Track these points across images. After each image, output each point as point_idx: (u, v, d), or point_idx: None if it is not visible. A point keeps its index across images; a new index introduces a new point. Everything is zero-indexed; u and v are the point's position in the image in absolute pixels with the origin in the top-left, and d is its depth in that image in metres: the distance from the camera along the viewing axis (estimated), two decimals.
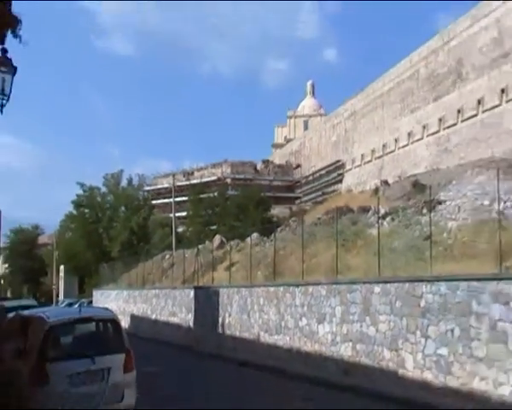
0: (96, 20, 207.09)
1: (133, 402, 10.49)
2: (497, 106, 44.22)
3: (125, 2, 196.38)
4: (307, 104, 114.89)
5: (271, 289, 24.01)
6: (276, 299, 23.34)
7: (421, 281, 16.11)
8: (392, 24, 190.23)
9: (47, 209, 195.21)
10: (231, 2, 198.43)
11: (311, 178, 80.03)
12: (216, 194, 68.19)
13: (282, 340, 22.44)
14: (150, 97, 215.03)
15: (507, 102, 43.18)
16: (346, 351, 18.52)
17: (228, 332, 27.12)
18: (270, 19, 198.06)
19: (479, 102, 46.35)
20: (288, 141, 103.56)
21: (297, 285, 22.12)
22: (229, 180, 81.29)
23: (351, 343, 18.32)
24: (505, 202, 22.14)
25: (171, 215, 56.45)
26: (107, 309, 14.27)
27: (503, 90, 43.64)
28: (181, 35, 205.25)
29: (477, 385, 13.63)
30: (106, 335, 11.23)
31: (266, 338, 23.63)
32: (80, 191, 78.28)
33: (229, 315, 27.21)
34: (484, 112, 45.63)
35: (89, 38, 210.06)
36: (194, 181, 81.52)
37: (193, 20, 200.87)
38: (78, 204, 78.70)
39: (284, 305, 22.69)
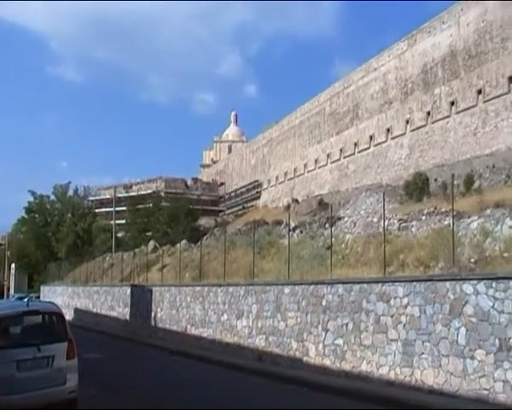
0: (45, 45, 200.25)
1: (74, 385, 10.36)
2: (384, 142, 46.07)
3: (70, 31, 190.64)
4: (231, 131, 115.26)
5: (197, 288, 23.89)
6: (201, 297, 23.24)
7: (323, 284, 16.38)
8: (303, 67, 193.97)
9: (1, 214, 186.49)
10: (168, 39, 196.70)
11: (233, 194, 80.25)
12: (151, 205, 67.38)
13: (206, 332, 22.37)
14: (97, 118, 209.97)
15: (391, 139, 45.09)
16: (260, 342, 18.64)
17: (160, 325, 26.83)
18: (201, 57, 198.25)
19: (370, 137, 48.13)
20: (214, 162, 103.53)
21: (219, 286, 22.10)
22: (162, 193, 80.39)
23: (264, 336, 18.46)
24: (389, 220, 22.95)
25: (112, 222, 55.59)
26: (52, 303, 13.89)
27: (388, 130, 45.64)
28: (123, 66, 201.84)
29: (364, 368, 14.14)
30: (51, 326, 10.95)
31: (193, 331, 23.49)
32: (31, 199, 76.04)
33: (161, 310, 26.95)
34: (375, 146, 47.38)
35: (40, 62, 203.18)
36: (133, 193, 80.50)
37: (133, 54, 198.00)
38: (29, 210, 76.17)
39: (208, 302, 22.61)
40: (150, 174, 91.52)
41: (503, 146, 32.53)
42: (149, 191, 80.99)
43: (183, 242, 37.48)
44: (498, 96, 35.02)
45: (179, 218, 55.20)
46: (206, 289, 23.07)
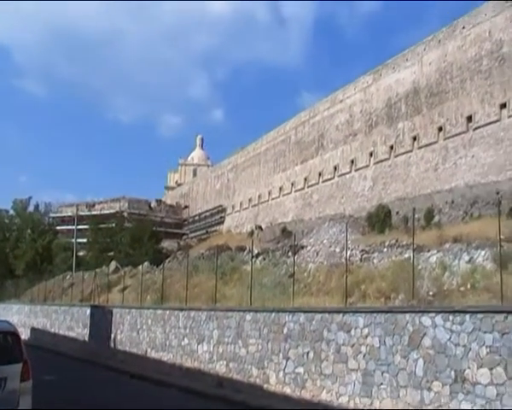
0: (9, 57, 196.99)
1: (28, 409, 10.06)
2: (348, 173, 46.88)
3: (34, 45, 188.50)
4: (196, 155, 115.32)
5: (159, 311, 23.69)
6: (162, 320, 23.05)
7: (285, 312, 16.48)
8: (270, 95, 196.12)
9: None
10: (134, 62, 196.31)
11: (197, 218, 79.98)
12: (114, 225, 66.71)
13: (166, 356, 22.14)
14: (59, 134, 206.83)
15: (355, 170, 45.92)
16: (220, 368, 18.56)
17: (119, 347, 26.41)
18: (168, 79, 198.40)
19: (335, 168, 48.87)
20: (179, 185, 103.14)
21: (181, 310, 21.98)
22: (126, 214, 79.63)
23: (225, 362, 18.39)
24: (352, 250, 23.37)
25: (73, 241, 54.73)
26: (7, 322, 13.44)
27: (352, 161, 46.50)
28: (88, 83, 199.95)
29: (324, 397, 14.21)
30: (5, 346, 10.58)
31: (153, 354, 23.21)
32: None
33: (121, 332, 26.56)
34: (339, 176, 48.09)
35: (5, 75, 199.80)
36: (95, 212, 79.33)
37: (98, 72, 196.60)
38: None
39: (169, 326, 22.42)
40: (114, 194, 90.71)
41: (461, 182, 33.52)
42: (112, 211, 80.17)
43: (146, 264, 37.19)
44: (457, 135, 36.15)
45: (142, 239, 54.77)
46: (167, 312, 22.89)
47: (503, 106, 33.27)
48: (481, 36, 35.75)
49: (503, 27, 34.28)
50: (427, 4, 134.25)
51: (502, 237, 15.09)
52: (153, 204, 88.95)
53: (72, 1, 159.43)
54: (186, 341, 21.01)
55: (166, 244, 63.32)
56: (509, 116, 32.64)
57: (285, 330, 16.09)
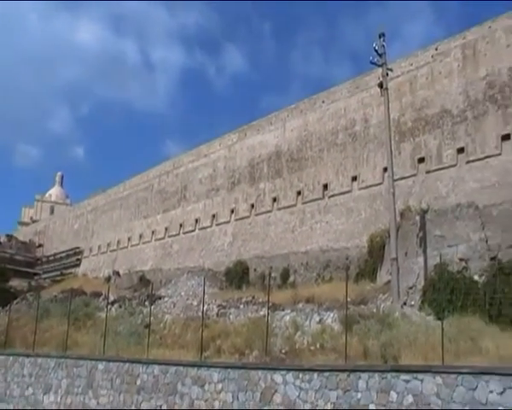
0: None
1: None
2: (209, 226, 47.56)
3: None
4: (55, 192, 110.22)
5: (1, 357, 22.12)
6: (3, 368, 21.52)
7: (139, 362, 16.31)
8: (135, 139, 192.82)
9: None
10: None
11: (52, 258, 75.73)
12: None
13: (5, 407, 20.61)
14: None
15: (216, 225, 46.77)
16: None
17: None
18: (27, 108, 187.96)
19: (196, 220, 49.34)
20: (34, 221, 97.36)
21: (27, 356, 20.79)
22: None
23: None
24: (209, 305, 23.62)
25: None
26: None
27: (214, 216, 47.37)
28: None
29: None
30: None
31: None
32: None
33: None
34: (200, 229, 48.57)
35: None
36: None
37: None
38: None
39: (12, 374, 21.01)
40: None
41: (316, 246, 35.45)
42: None
43: None
44: (314, 200, 38.35)
45: None
46: (10, 358, 21.48)
47: (355, 179, 36.04)
48: (338, 112, 38.74)
49: (355, 108, 37.49)
50: (292, 74, 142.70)
51: (349, 300, 16.26)
52: (2, 239, 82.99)
53: None
54: (30, 390, 19.77)
55: (16, 284, 58.99)
56: (359, 188, 35.40)
57: (138, 382, 15.87)
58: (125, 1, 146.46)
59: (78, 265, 67.90)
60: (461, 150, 30.23)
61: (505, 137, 28.48)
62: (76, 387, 17.87)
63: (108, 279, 47.04)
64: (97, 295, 31.90)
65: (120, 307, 27.56)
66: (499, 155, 28.47)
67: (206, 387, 14.06)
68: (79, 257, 68.32)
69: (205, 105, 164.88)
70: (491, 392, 10.23)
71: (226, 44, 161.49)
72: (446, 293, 16.71)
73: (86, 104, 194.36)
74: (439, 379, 10.96)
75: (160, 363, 15.78)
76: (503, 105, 29.03)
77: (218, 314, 22.11)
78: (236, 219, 44.86)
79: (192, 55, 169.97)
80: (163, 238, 53.18)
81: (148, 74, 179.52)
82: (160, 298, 27.26)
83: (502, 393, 10.13)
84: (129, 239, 59.13)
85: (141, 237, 57.00)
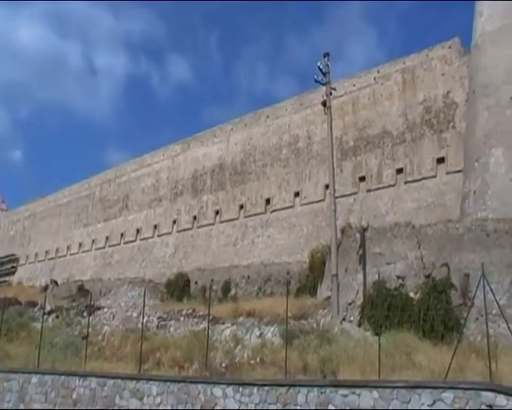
0: None
1: None
2: (150, 237, 46.99)
3: None
4: None
5: None
6: None
7: (76, 375, 15.88)
8: (75, 143, 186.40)
9: None
10: None
11: None
12: None
13: None
14: None
15: (158, 235, 46.27)
16: None
17: None
18: None
19: (138, 230, 48.67)
20: None
21: None
22: None
23: None
24: (149, 317, 23.25)
25: None
26: None
27: (155, 226, 46.83)
28: None
29: None
30: None
31: None
32: None
33: None
34: (141, 239, 47.93)
35: None
36: None
37: None
38: None
39: None
40: None
41: (258, 260, 35.61)
42: None
43: None
44: (257, 214, 38.61)
45: None
46: None
47: (297, 194, 36.54)
48: (282, 128, 39.26)
49: (299, 124, 38.14)
50: (237, 87, 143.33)
51: (289, 314, 16.40)
52: None
53: None
54: None
55: None
56: (302, 204, 35.90)
57: (74, 395, 15.47)
58: (67, 0, 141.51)
59: (13, 273, 65.50)
60: (400, 171, 31.25)
61: (440, 161, 29.68)
62: (6, 402, 17.04)
63: (45, 288, 45.55)
64: (33, 304, 30.84)
65: (57, 317, 26.72)
66: (434, 177, 29.60)
67: (145, 400, 13.81)
68: (15, 264, 65.93)
69: (148, 114, 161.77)
70: (423, 404, 10.58)
71: (171, 54, 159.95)
72: (384, 309, 17.13)
73: (26, 106, 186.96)
74: (375, 393, 11.20)
75: (98, 376, 15.39)
76: (438, 130, 30.24)
77: (158, 326, 21.80)
78: (178, 231, 44.56)
79: (136, 63, 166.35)
80: (103, 247, 52.15)
81: (91, 79, 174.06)
82: (99, 309, 26.60)
83: (432, 405, 10.50)
84: (68, 247, 57.65)
85: (80, 245, 55.69)
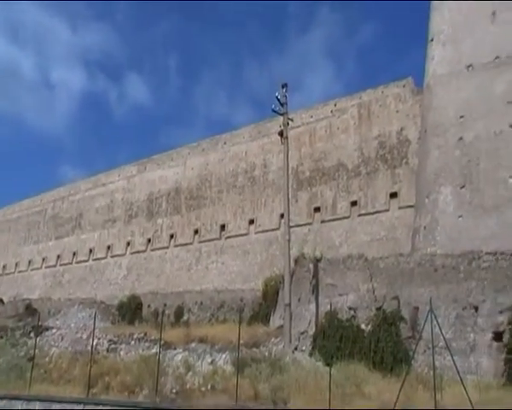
0: None
1: None
2: (103, 258, 46.19)
3: None
4: None
5: None
6: None
7: (19, 399, 15.41)
8: (27, 157, 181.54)
9: None
10: None
11: None
12: None
13: None
14: None
15: (111, 256, 45.52)
16: None
17: None
18: None
19: (90, 250, 47.80)
20: None
21: None
22: None
23: None
24: (99, 339, 22.74)
25: None
26: None
27: (109, 247, 46.01)
28: None
29: None
30: None
31: None
32: None
33: None
34: (94, 260, 47.06)
35: None
36: None
37: None
38: None
39: None
40: None
41: (211, 286, 35.40)
42: None
43: None
44: (211, 240, 38.54)
45: None
46: None
47: (252, 222, 36.70)
48: (239, 155, 39.52)
49: (256, 153, 38.49)
50: (195, 111, 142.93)
51: (241, 342, 16.36)
52: None
53: None
54: None
55: None
56: (256, 232, 36.05)
57: None
58: (21, 4, 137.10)
59: None
60: (354, 203, 31.85)
61: (393, 195, 30.44)
62: None
63: None
64: None
65: (1, 337, 25.74)
66: (387, 211, 30.30)
67: None
68: None
69: (104, 132, 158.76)
70: None
71: (130, 73, 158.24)
72: (336, 340, 17.30)
73: None
74: None
75: (43, 399, 14.95)
76: (392, 165, 31.05)
77: (108, 350, 21.30)
78: (132, 253, 44.00)
79: (94, 79, 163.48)
80: (54, 266, 50.91)
81: (46, 91, 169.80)
82: (47, 329, 25.73)
83: None
84: (16, 264, 55.99)
85: (30, 263, 54.20)
